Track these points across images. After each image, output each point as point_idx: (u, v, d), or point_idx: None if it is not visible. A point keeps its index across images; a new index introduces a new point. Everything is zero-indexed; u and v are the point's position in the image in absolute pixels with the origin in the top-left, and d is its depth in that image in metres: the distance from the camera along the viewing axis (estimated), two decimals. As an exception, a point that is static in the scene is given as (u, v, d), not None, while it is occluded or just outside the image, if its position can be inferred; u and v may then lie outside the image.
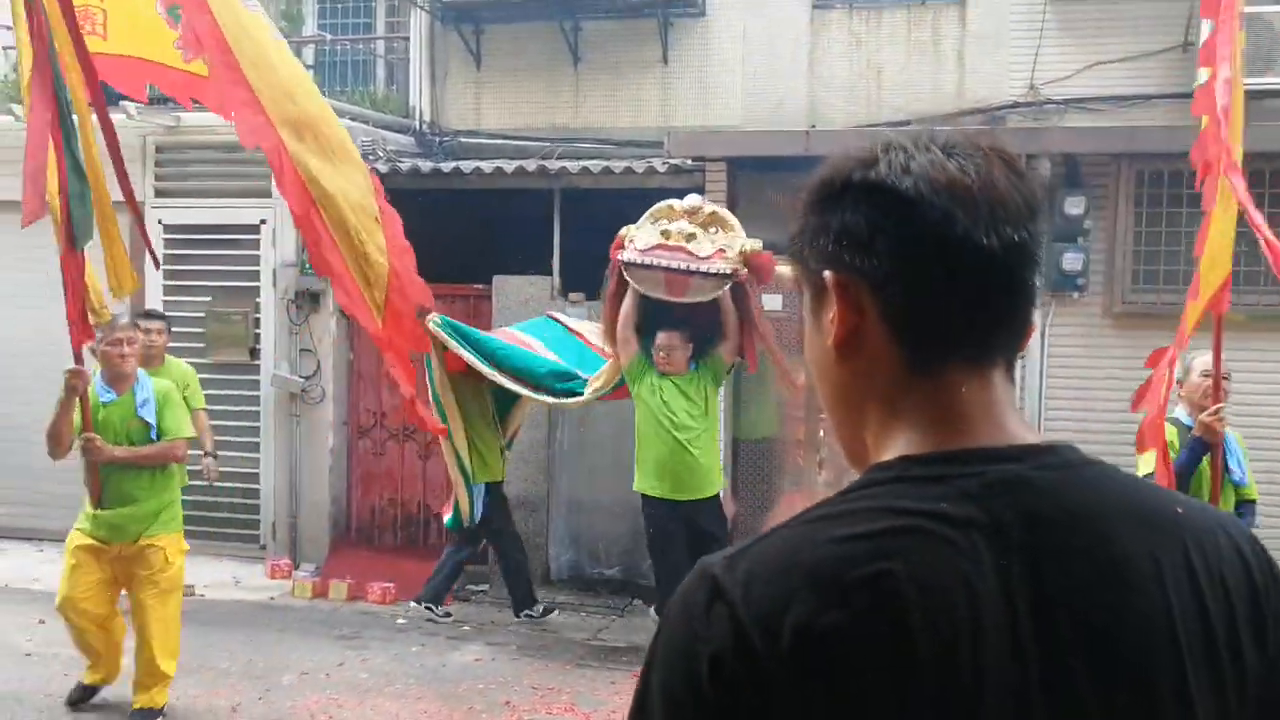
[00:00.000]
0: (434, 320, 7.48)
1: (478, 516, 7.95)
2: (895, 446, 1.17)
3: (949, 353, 1.18)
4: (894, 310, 1.17)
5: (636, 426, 7.36)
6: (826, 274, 1.20)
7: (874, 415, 1.21)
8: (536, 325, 8.30)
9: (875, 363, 1.19)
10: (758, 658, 1.05)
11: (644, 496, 7.28)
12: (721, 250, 6.86)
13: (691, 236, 6.88)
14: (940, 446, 1.15)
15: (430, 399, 7.69)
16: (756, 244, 6.95)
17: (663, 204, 7.15)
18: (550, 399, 7.64)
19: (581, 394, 7.50)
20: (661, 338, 7.19)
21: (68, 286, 5.43)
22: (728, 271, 6.83)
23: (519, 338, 7.90)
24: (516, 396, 7.92)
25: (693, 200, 7.10)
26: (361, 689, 6.67)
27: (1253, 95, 8.22)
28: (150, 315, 8.11)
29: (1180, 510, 1.18)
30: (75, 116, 5.30)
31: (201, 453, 8.04)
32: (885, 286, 1.17)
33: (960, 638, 1.04)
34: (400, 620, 8.35)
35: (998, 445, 1.16)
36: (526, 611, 8.19)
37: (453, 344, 7.61)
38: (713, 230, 6.95)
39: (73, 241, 5.35)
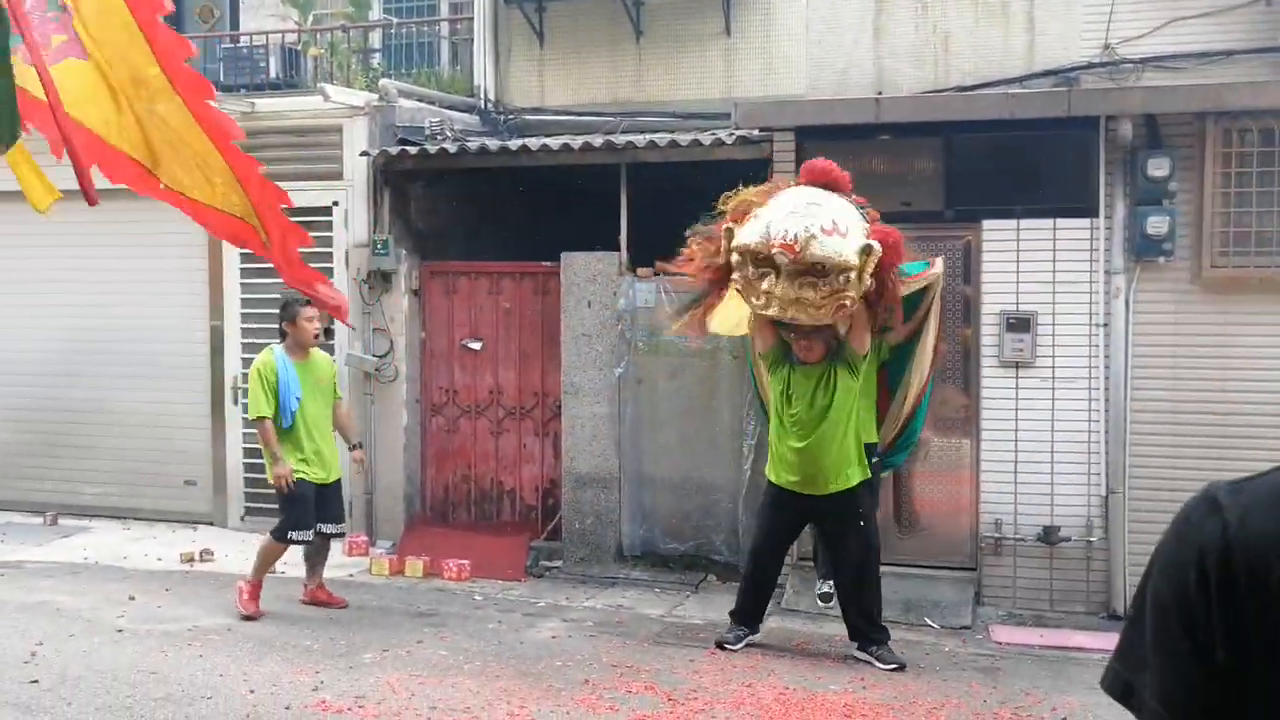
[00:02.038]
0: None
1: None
2: None
3: None
4: None
5: (770, 414, 7.16)
6: None
7: None
8: None
9: None
10: (1240, 581, 1.15)
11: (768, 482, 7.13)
12: (842, 305, 6.24)
13: (798, 302, 6.18)
14: None
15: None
16: (871, 244, 6.17)
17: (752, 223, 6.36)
18: None
19: None
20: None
21: None
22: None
23: None
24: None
25: (783, 237, 6.10)
26: (441, 666, 6.68)
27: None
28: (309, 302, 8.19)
29: None
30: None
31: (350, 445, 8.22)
32: None
33: None
34: (476, 597, 8.38)
35: None
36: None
37: None
38: (814, 282, 6.11)
39: None
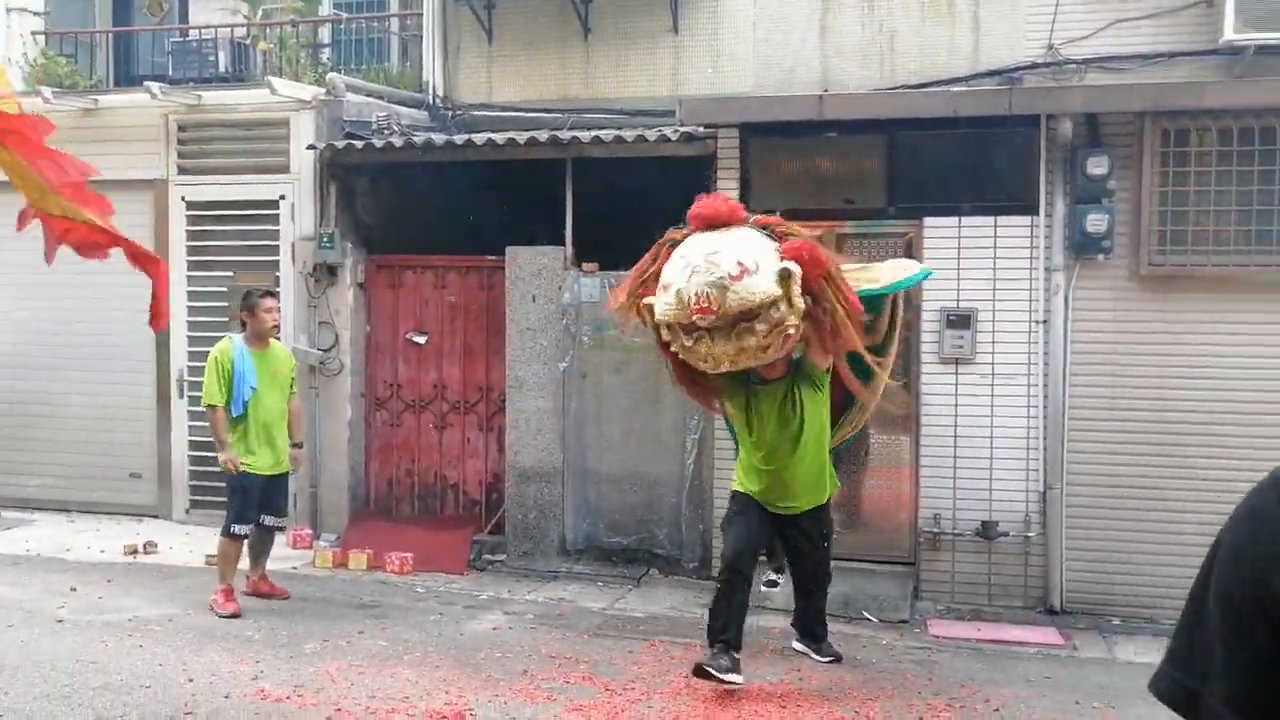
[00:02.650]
0: None
1: None
2: None
3: None
4: None
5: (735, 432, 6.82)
6: None
7: None
8: None
9: None
10: None
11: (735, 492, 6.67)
12: (787, 335, 5.81)
13: (742, 351, 5.81)
14: None
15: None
16: (787, 268, 5.67)
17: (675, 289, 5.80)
18: None
19: None
20: None
21: None
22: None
23: None
24: None
25: (695, 301, 5.69)
26: (381, 657, 6.68)
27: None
28: (272, 293, 8.14)
29: None
30: None
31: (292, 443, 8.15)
32: None
33: None
34: (419, 590, 8.38)
35: None
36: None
37: None
38: (749, 327, 5.71)
39: None
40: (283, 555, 9.05)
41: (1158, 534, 8.09)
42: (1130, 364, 8.16)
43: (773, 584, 7.58)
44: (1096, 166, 8.06)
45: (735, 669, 6.08)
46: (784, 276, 5.61)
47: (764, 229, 6.03)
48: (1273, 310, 7.97)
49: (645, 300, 6.01)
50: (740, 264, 5.58)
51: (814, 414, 6.39)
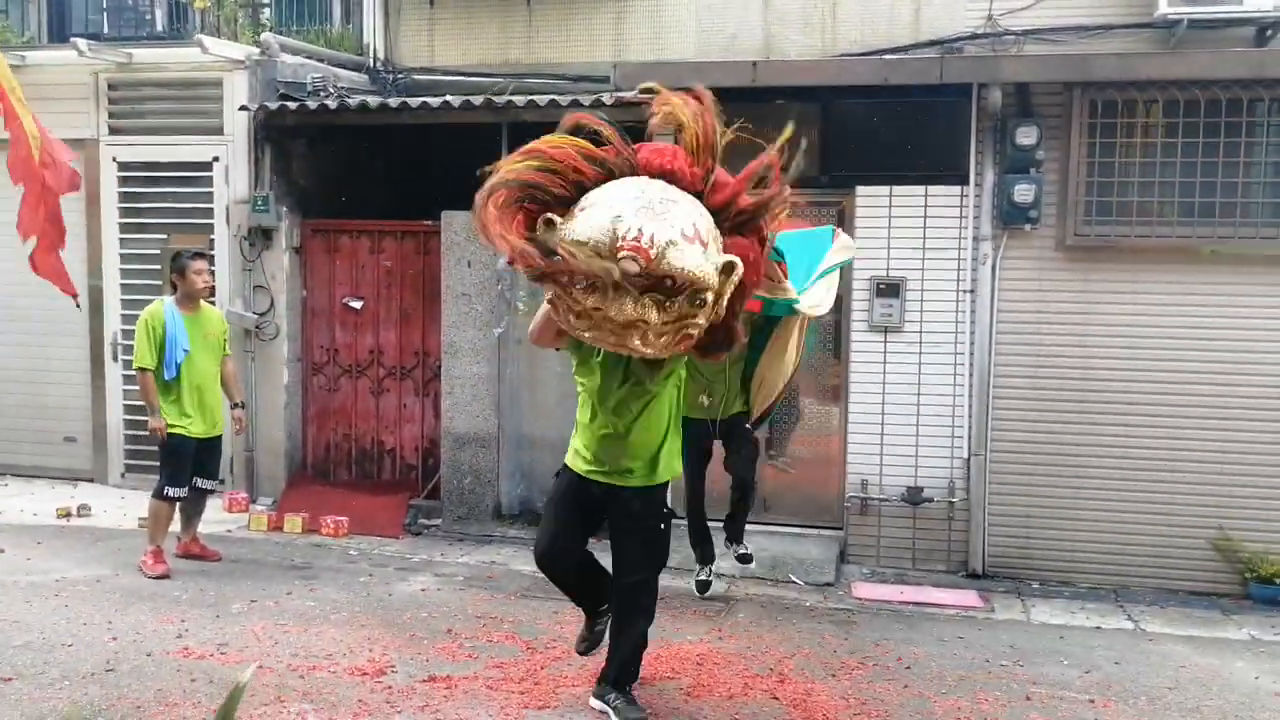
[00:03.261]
0: None
1: None
2: None
3: None
4: None
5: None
6: None
7: None
8: None
9: None
10: None
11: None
12: (687, 336, 4.64)
13: (633, 326, 4.52)
14: None
15: None
16: (733, 261, 4.51)
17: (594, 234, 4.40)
18: None
19: None
20: None
21: None
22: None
23: None
24: None
25: (635, 237, 4.33)
26: (308, 617, 6.72)
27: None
28: (202, 255, 8.07)
29: None
30: None
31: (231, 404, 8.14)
32: None
33: None
34: (352, 552, 8.42)
35: None
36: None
37: None
38: (661, 301, 4.48)
39: None
40: (218, 519, 9.07)
41: (1077, 500, 8.26)
42: (1054, 333, 8.30)
43: (745, 558, 7.59)
44: (1025, 137, 8.17)
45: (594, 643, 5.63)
46: (728, 269, 4.52)
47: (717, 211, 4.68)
48: (1189, 280, 8.13)
49: (546, 216, 4.47)
50: (696, 227, 4.48)
51: (669, 385, 5.40)
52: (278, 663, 5.87)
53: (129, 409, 9.95)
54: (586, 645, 5.66)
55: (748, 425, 7.25)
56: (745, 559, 7.59)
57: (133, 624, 6.42)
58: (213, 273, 9.25)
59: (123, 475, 10.13)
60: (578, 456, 5.43)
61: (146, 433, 7.82)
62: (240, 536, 8.80)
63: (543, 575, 5.53)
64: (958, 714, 5.50)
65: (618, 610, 5.41)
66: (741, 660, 6.17)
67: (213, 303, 9.22)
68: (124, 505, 9.33)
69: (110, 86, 10.03)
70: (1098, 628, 7.21)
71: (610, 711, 5.27)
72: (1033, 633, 7.03)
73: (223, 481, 9.70)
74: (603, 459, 5.34)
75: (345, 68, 10.46)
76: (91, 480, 10.25)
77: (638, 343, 4.57)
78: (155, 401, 7.57)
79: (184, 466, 7.65)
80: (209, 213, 9.84)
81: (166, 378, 7.58)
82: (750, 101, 8.77)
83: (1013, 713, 5.54)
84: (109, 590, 7.09)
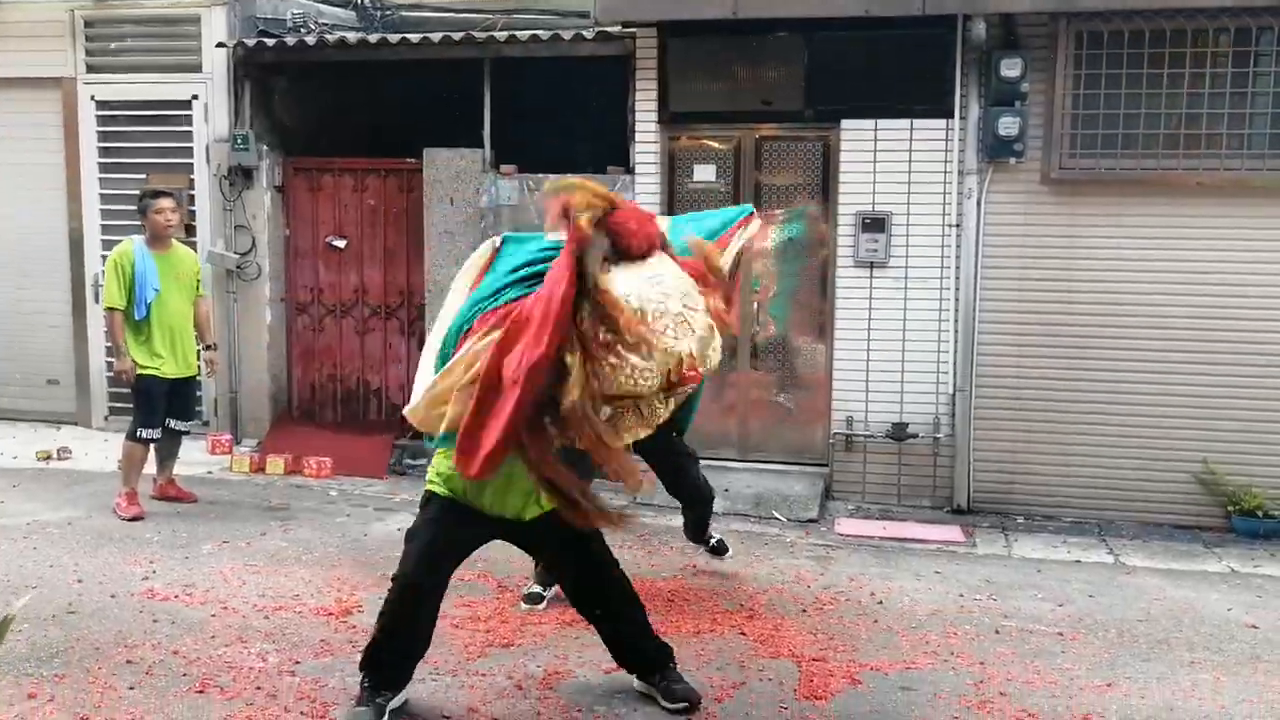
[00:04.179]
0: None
1: None
2: None
3: None
4: None
5: None
6: None
7: None
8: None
9: None
10: None
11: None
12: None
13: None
14: None
15: None
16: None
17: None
18: None
19: None
20: None
21: None
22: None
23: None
24: None
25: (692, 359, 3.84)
26: (279, 557, 6.70)
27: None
28: (165, 193, 7.96)
29: None
30: None
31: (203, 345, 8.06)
32: None
33: None
34: (332, 493, 8.40)
35: None
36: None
37: None
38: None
39: None
40: (201, 460, 9.06)
41: (1063, 434, 8.19)
42: (1039, 267, 8.18)
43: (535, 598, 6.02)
44: (1010, 69, 8.00)
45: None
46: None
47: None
48: (1174, 213, 8.00)
49: (611, 361, 3.76)
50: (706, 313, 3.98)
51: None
52: (243, 603, 5.85)
53: (111, 351, 9.88)
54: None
55: (675, 434, 6.08)
56: (720, 549, 6.65)
57: (100, 566, 6.40)
58: (188, 211, 9.22)
59: (106, 418, 10.10)
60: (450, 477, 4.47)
61: (112, 374, 7.76)
62: (220, 478, 8.78)
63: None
64: (925, 648, 5.46)
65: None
66: (713, 597, 6.14)
67: (193, 243, 9.22)
68: (106, 448, 9.30)
69: (87, 24, 9.90)
70: (1077, 561, 7.16)
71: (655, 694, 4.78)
72: (1011, 567, 6.99)
73: (207, 423, 9.73)
74: (479, 493, 4.44)
75: (333, 4, 10.33)
76: (75, 423, 10.22)
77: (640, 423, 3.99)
78: (122, 343, 7.52)
79: (156, 408, 7.61)
80: (189, 152, 9.74)
81: (137, 318, 7.52)
82: (732, 34, 8.66)
83: (981, 646, 5.50)
84: (80, 532, 7.07)
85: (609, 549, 4.81)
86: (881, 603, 6.15)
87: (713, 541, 6.65)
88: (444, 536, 4.54)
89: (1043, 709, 4.76)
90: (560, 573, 5.10)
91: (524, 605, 5.92)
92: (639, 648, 4.84)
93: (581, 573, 4.79)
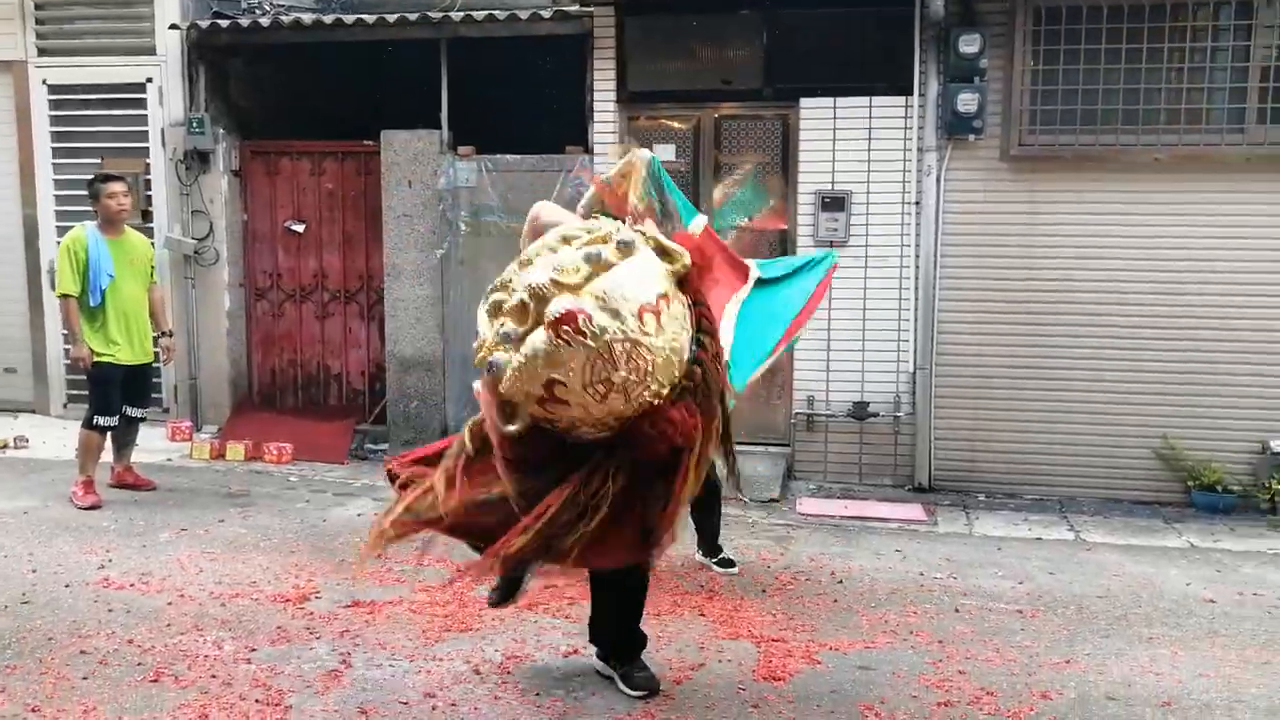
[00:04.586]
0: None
1: None
2: None
3: None
4: None
5: None
6: None
7: None
8: None
9: None
10: None
11: None
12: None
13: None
14: None
15: None
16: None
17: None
18: None
19: None
20: None
21: None
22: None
23: None
24: None
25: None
26: (238, 544, 6.64)
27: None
28: (115, 177, 7.83)
29: None
30: None
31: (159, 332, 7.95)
32: None
33: None
34: (292, 479, 8.33)
35: None
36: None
37: None
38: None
39: None
40: (160, 448, 8.98)
41: (1024, 412, 8.21)
42: (999, 244, 8.20)
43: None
44: (969, 45, 7.99)
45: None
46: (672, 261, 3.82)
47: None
48: (1134, 189, 8.03)
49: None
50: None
51: None
52: (200, 591, 5.79)
53: (68, 339, 9.77)
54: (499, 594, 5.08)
55: None
56: (729, 564, 6.39)
57: (55, 555, 6.32)
58: (145, 197, 9.10)
59: (65, 406, 9.98)
60: None
61: (69, 361, 7.66)
62: (180, 465, 8.70)
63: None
64: (884, 627, 5.46)
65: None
66: (673, 578, 6.12)
67: (150, 229, 9.12)
68: (64, 436, 9.19)
69: (37, 6, 9.74)
70: (1038, 539, 7.18)
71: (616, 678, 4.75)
72: (972, 545, 7.00)
73: (167, 410, 9.64)
74: None
75: (291, -15, 10.21)
76: (33, 411, 10.10)
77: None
78: (78, 329, 7.42)
79: (113, 395, 7.52)
80: (144, 136, 9.61)
81: (91, 304, 7.42)
82: (692, 11, 8.62)
83: (940, 624, 5.51)
84: (35, 522, 6.99)
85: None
86: (842, 582, 6.15)
87: (723, 554, 6.43)
88: None
89: (1001, 687, 4.77)
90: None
91: (718, 569, 6.25)
92: (628, 630, 4.81)
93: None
